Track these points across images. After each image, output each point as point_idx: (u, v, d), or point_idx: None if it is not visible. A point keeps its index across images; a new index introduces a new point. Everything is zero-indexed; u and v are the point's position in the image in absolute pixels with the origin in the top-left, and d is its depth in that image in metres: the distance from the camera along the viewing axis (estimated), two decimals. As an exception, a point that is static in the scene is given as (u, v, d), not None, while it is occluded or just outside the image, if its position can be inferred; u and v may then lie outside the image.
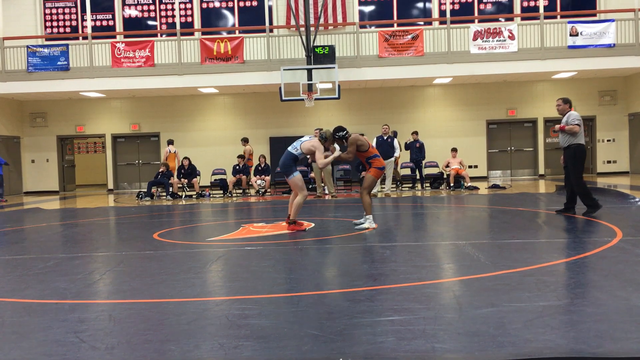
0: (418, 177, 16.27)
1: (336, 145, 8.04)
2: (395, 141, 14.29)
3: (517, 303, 3.80)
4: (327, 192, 14.30)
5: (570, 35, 16.19)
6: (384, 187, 14.36)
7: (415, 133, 16.33)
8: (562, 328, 3.30)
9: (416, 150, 16.06)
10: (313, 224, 8.48)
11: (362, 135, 8.03)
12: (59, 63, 16.86)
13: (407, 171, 16.77)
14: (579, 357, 2.84)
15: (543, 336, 3.15)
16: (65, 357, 3.08)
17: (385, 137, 14.14)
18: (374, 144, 14.15)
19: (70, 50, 16.95)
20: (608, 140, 19.02)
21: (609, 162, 19.04)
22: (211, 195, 15.90)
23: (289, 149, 7.82)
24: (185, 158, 16.22)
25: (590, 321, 3.41)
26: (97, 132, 20.14)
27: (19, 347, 3.27)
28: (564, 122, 8.36)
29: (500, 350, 2.97)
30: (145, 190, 15.93)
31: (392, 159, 14.16)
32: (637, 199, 10.14)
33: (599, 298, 3.91)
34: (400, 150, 15.15)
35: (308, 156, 8.20)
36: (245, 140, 16.65)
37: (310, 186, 14.96)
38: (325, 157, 7.91)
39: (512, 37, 16.32)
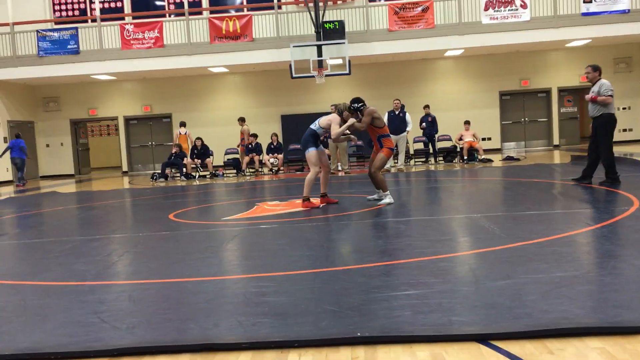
0: (431, 151, 16.17)
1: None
2: (407, 115, 14.18)
3: (533, 275, 3.79)
4: (340, 168, 14.29)
5: (584, 2, 15.87)
6: (396, 162, 14.30)
7: (427, 107, 16.18)
8: (580, 298, 3.29)
9: (428, 124, 15.93)
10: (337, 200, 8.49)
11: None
12: (69, 47, 16.86)
13: (420, 145, 16.68)
14: (597, 327, 2.84)
15: (560, 307, 3.15)
16: (87, 338, 3.13)
17: (397, 112, 14.03)
18: (385, 119, 14.06)
19: (80, 34, 16.93)
20: (624, 108, 18.72)
21: (624, 130, 18.77)
22: (224, 175, 15.96)
23: (311, 125, 7.93)
24: (198, 138, 16.24)
25: (608, 291, 3.40)
26: (109, 115, 20.23)
27: (40, 329, 3.33)
28: (594, 92, 8.15)
29: (516, 322, 2.97)
30: (159, 171, 16.02)
31: (405, 133, 14.07)
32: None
33: (617, 267, 3.89)
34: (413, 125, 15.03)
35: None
36: (242, 120, 16.58)
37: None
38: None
39: (524, 6, 16.03)
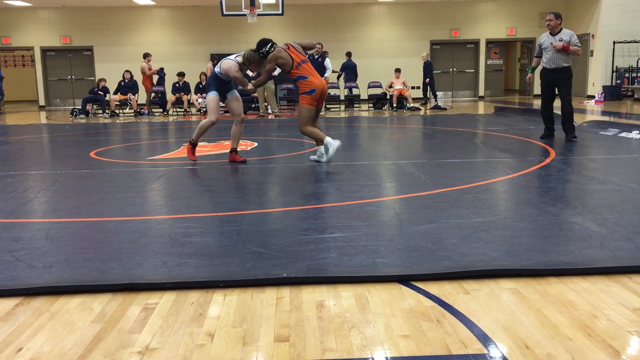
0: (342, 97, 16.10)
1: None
2: (327, 61, 13.93)
3: (454, 220, 3.93)
4: (270, 111, 14.13)
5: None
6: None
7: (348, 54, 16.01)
8: (496, 242, 3.44)
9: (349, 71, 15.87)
10: (256, 143, 8.41)
11: (319, 47, 6.79)
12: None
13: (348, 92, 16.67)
14: (511, 268, 2.99)
15: (477, 250, 3.29)
16: (1, 276, 2.99)
17: (316, 57, 13.70)
18: None
19: (-10, -47, 15.56)
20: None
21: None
22: (150, 114, 15.43)
23: (215, 68, 6.67)
24: (127, 71, 15.50)
25: (522, 235, 3.57)
26: (24, 45, 18.95)
27: (-50, 267, 3.15)
28: (565, 41, 7.74)
29: (437, 264, 3.08)
30: (80, 107, 15.27)
31: (323, 79, 13.84)
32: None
33: (531, 214, 4.09)
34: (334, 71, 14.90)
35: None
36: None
37: (253, 105, 14.72)
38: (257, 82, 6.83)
39: (459, -45, 16.02)
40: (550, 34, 7.98)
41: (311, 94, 6.24)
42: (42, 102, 19.17)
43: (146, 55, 15.42)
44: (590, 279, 2.91)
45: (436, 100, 16.36)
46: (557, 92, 8.26)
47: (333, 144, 6.12)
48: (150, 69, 15.24)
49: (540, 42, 8.13)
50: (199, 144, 8.40)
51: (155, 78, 15.62)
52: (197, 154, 7.41)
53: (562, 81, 8.04)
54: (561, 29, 7.92)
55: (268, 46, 6.33)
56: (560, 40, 7.80)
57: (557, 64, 7.92)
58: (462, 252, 3.25)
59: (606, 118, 11.37)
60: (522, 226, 3.79)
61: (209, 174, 6.13)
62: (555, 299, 2.67)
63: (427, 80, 16.60)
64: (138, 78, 15.56)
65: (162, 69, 15.53)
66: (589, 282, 2.87)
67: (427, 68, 16.57)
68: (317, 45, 13.82)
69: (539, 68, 8.36)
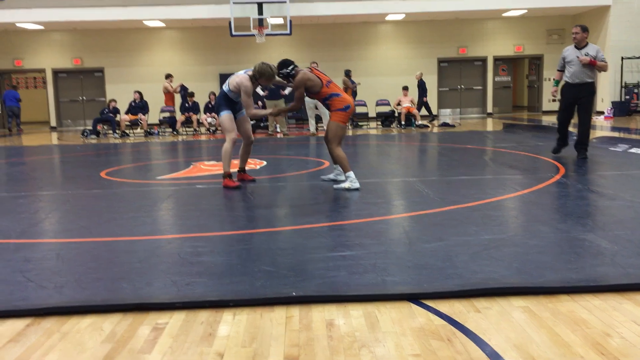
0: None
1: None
2: None
3: (464, 237, 3.92)
4: (278, 130, 14.18)
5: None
6: (322, 126, 14.07)
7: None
8: (506, 260, 3.42)
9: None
10: (265, 162, 8.44)
11: (314, 65, 6.75)
12: (-9, -9, 15.77)
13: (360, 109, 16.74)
14: (522, 286, 2.97)
15: (488, 268, 3.27)
16: (12, 297, 3.01)
17: None
18: None
19: (3, -22, 15.85)
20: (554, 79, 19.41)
21: (554, 100, 19.46)
22: (160, 133, 15.55)
23: (223, 86, 6.44)
24: (137, 92, 15.69)
25: (533, 253, 3.55)
26: (36, 67, 19.20)
27: (-38, 288, 3.17)
28: (591, 56, 7.45)
29: (447, 281, 3.07)
30: (91, 127, 15.42)
31: None
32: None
33: (542, 231, 4.07)
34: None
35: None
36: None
37: (262, 124, 14.79)
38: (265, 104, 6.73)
39: (465, -26, 16.13)
40: (576, 47, 7.70)
41: (346, 110, 6.04)
42: (53, 123, 19.37)
43: (168, 76, 16.10)
44: (602, 296, 2.88)
45: (429, 113, 16.50)
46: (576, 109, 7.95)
47: (354, 183, 5.93)
48: (172, 87, 15.89)
49: (564, 56, 7.84)
50: (207, 162, 8.46)
51: (178, 100, 16.03)
52: (205, 172, 7.47)
53: (584, 98, 7.73)
54: (587, 43, 7.66)
55: (289, 68, 6.07)
56: (587, 54, 7.53)
57: (580, 79, 7.63)
58: (472, 270, 3.23)
59: (616, 134, 11.33)
60: (532, 243, 3.76)
61: (218, 193, 6.15)
62: (567, 317, 2.65)
63: (425, 99, 16.65)
64: (160, 98, 16.05)
65: (184, 87, 15.91)
66: (600, 299, 2.85)
67: (421, 86, 16.59)
68: (313, 64, 13.81)
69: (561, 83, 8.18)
